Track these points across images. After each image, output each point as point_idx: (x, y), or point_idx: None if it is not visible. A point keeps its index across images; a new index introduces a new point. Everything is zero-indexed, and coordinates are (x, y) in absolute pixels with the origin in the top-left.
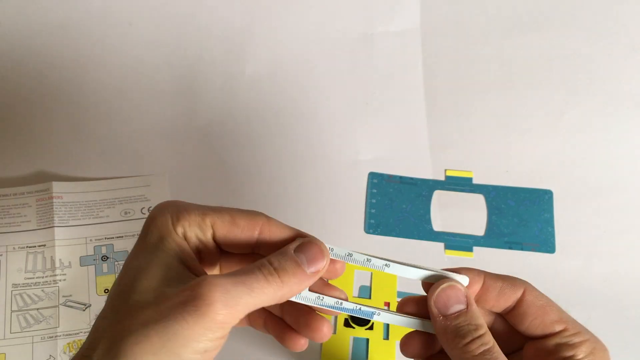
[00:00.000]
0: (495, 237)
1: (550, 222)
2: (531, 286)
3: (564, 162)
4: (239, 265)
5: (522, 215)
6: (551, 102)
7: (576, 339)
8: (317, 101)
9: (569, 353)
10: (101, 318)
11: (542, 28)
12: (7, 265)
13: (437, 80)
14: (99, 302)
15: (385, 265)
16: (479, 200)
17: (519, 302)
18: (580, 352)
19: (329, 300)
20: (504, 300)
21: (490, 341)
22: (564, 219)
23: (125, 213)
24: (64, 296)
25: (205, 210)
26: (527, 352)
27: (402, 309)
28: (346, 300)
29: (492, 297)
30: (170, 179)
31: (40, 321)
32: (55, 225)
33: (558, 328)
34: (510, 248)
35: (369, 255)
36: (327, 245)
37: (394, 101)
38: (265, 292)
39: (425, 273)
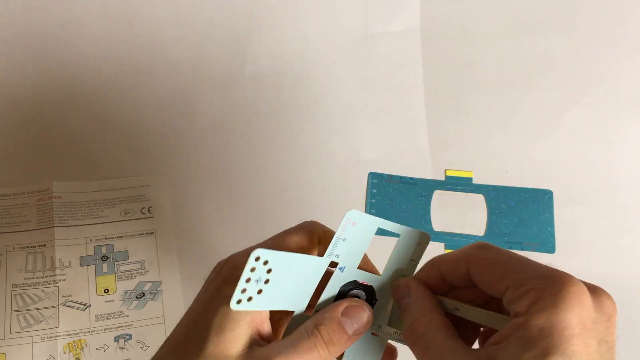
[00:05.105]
0: (495, 237)
1: (550, 222)
2: (479, 250)
3: (564, 162)
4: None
5: (522, 215)
6: (551, 102)
7: (517, 293)
8: (317, 101)
9: (516, 309)
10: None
11: (542, 28)
12: (7, 265)
13: (437, 81)
14: (98, 302)
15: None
16: (479, 200)
17: (470, 276)
18: (521, 306)
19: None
20: (459, 280)
21: (419, 327)
22: (564, 219)
23: (125, 213)
24: (64, 296)
25: None
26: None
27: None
28: None
29: (453, 279)
30: (170, 179)
31: (40, 321)
32: (55, 225)
33: (502, 287)
34: (510, 248)
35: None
36: None
37: (394, 101)
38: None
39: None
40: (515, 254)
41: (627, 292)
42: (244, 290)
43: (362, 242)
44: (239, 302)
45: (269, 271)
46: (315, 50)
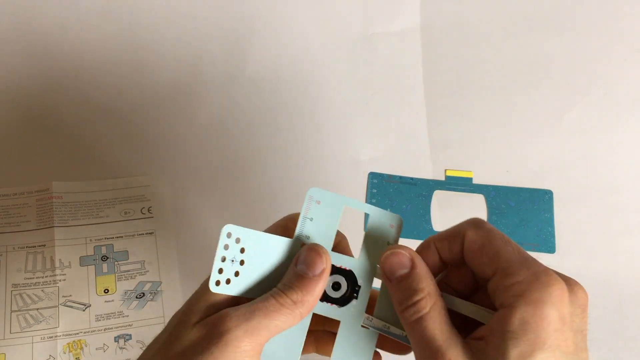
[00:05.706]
0: None
1: (550, 222)
2: (473, 228)
3: (564, 162)
4: None
5: (522, 215)
6: (551, 103)
7: (506, 282)
8: (317, 101)
9: (500, 299)
10: (148, 348)
11: (542, 28)
12: (7, 265)
13: (437, 80)
14: (98, 302)
15: None
16: (479, 200)
17: (463, 252)
18: (507, 297)
19: (395, 330)
20: (454, 258)
21: (425, 307)
22: (564, 219)
23: (125, 213)
24: (63, 296)
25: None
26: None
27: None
28: None
29: (448, 257)
30: (170, 179)
31: (40, 321)
32: (55, 225)
33: (489, 272)
34: None
35: None
36: None
37: (394, 101)
38: (283, 314)
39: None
40: (506, 237)
41: (627, 292)
42: (220, 271)
43: (331, 222)
44: (217, 283)
45: (242, 250)
46: (315, 50)
